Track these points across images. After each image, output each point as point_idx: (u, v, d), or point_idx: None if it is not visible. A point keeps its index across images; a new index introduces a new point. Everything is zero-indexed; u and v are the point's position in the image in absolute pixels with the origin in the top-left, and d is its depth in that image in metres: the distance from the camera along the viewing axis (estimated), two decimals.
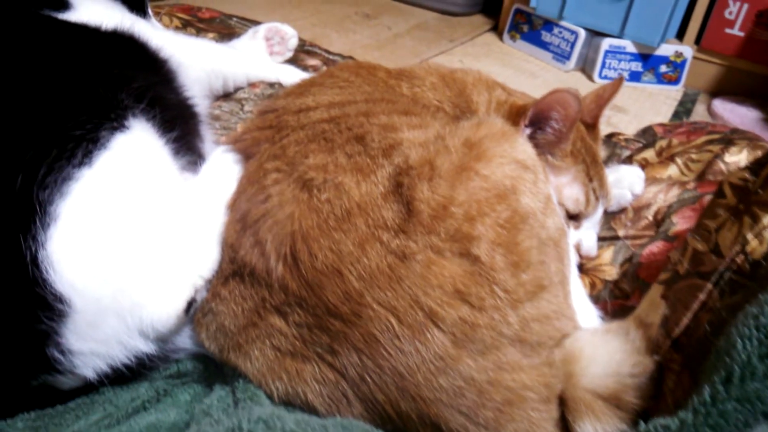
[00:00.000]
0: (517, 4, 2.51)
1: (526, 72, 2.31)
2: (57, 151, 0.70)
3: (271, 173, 0.73)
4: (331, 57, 1.66)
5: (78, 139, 0.72)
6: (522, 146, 0.74)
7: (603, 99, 0.96)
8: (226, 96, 1.31)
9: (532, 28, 2.46)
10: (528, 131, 0.89)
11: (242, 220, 0.72)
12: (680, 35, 2.31)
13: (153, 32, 1.17)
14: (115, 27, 1.09)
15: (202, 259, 0.74)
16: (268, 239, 0.69)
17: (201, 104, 1.17)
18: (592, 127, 0.95)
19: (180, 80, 1.10)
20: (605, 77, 2.29)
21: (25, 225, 0.66)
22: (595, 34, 2.31)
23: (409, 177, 0.69)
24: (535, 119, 0.87)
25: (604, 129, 1.98)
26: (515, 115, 0.90)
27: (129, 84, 0.87)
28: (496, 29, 2.66)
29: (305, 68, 1.55)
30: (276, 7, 2.55)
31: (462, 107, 0.92)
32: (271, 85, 1.32)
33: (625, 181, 1.01)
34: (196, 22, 1.70)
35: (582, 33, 2.29)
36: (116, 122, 0.77)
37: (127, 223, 0.71)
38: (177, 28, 1.64)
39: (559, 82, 2.27)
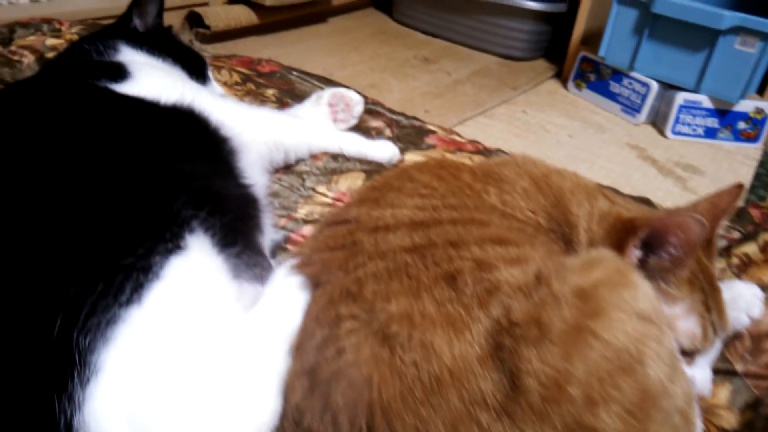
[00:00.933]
0: (583, 52, 2.37)
1: (593, 125, 2.17)
2: (103, 286, 0.59)
3: (345, 320, 0.61)
4: (394, 117, 1.55)
5: (128, 269, 0.61)
6: (644, 292, 0.61)
7: (720, 210, 0.82)
8: (286, 168, 1.20)
9: (599, 78, 2.31)
10: (638, 253, 0.75)
11: (310, 375, 0.60)
12: (761, 90, 2.13)
13: (213, 104, 1.08)
14: (174, 102, 1.00)
15: (260, 414, 0.62)
16: (340, 405, 0.57)
17: (260, 183, 1.07)
18: (706, 242, 0.81)
19: (241, 164, 0.99)
20: (678, 133, 2.13)
21: (61, 381, 0.56)
22: (669, 87, 2.16)
23: (512, 338, 0.56)
24: (648, 241, 0.74)
25: (680, 193, 1.83)
26: (620, 230, 0.76)
27: (188, 184, 0.76)
28: (560, 76, 2.52)
29: (367, 130, 1.44)
30: (334, 51, 2.46)
31: (559, 219, 0.79)
32: (335, 157, 1.21)
33: (741, 302, 0.86)
34: (255, 77, 1.60)
35: (654, 85, 2.13)
36: (171, 242, 0.66)
37: (178, 373, 0.60)
38: (236, 84, 1.55)
39: (629, 136, 2.11)
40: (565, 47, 2.49)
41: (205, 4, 2.28)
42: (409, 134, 1.46)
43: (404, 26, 2.84)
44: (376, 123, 1.49)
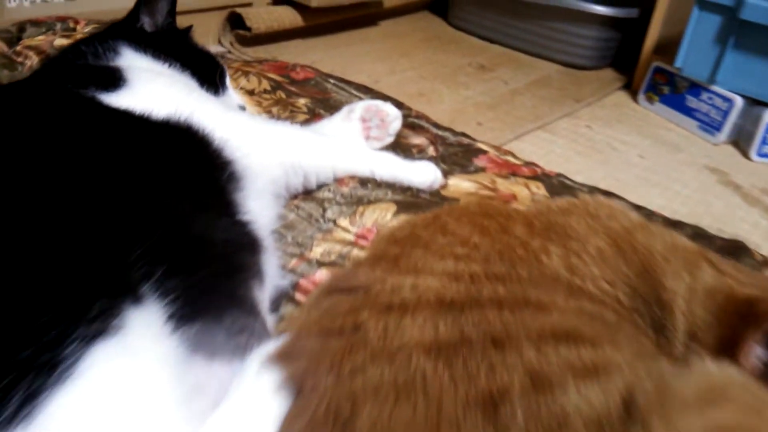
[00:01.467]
0: (657, 62, 2.09)
1: (667, 143, 1.89)
2: None
3: None
4: (439, 133, 1.33)
5: (20, 369, 0.41)
6: None
7: None
8: (306, 193, 0.99)
9: (674, 91, 2.03)
10: (761, 352, 0.51)
11: None
12: None
13: (220, 118, 0.88)
14: (168, 117, 0.81)
15: None
16: None
17: (268, 216, 0.86)
18: None
19: (243, 193, 0.79)
20: (765, 155, 1.83)
21: None
22: (755, 103, 1.86)
23: None
24: None
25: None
26: (735, 316, 0.53)
27: (151, 230, 0.57)
28: (629, 87, 2.24)
29: (408, 148, 1.23)
30: (383, 56, 2.25)
31: (647, 295, 0.56)
32: (363, 182, 0.99)
33: None
34: (287, 84, 1.41)
35: (738, 101, 1.84)
36: (100, 321, 0.46)
37: None
38: (265, 92, 1.36)
39: (708, 158, 1.83)
40: (635, 56, 2.21)
41: (249, 5, 2.11)
42: (456, 154, 1.24)
43: (460, 31, 2.61)
44: (417, 140, 1.27)
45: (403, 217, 0.90)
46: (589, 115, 2.03)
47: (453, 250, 0.55)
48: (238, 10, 2.01)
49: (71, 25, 1.29)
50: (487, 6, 2.49)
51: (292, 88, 1.39)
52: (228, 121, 0.90)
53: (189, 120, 0.83)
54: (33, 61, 1.15)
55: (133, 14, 1.01)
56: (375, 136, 1.10)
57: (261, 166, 0.89)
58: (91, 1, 1.83)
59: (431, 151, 1.24)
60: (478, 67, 2.26)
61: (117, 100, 0.83)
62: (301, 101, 1.34)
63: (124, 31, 1.00)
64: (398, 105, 1.44)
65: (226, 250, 0.67)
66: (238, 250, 0.70)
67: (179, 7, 1.99)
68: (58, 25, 1.27)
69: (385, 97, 1.46)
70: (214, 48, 2.04)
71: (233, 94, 1.11)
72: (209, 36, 2.06)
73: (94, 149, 0.67)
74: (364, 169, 1.03)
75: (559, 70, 2.35)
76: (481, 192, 1.10)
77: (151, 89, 0.88)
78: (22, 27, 1.24)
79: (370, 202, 0.95)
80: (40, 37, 1.22)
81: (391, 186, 1.01)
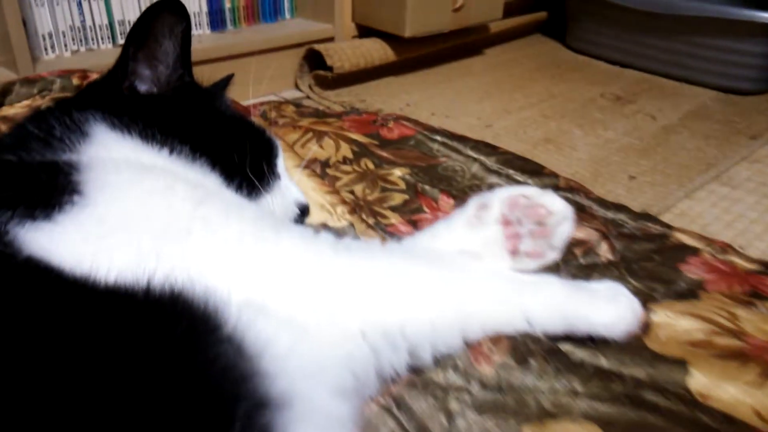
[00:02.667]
0: None
1: None
2: None
3: None
4: (609, 215, 0.82)
5: None
6: None
7: None
8: (414, 372, 0.52)
9: None
10: None
11: None
12: None
13: (246, 259, 0.43)
14: (130, 278, 0.36)
15: None
16: None
17: None
18: None
19: None
20: None
21: None
22: None
23: None
24: None
25: None
26: None
27: None
28: None
29: (570, 247, 0.72)
30: (491, 92, 1.75)
31: None
32: (519, 353, 0.50)
33: None
34: (376, 148, 0.93)
35: None
36: None
37: None
38: (344, 161, 0.89)
39: None
40: None
41: (330, 40, 1.68)
42: (647, 257, 0.72)
43: (583, 55, 2.07)
44: (580, 231, 0.76)
45: None
46: None
47: None
48: (318, 46, 1.59)
49: (75, 81, 0.88)
50: (616, 23, 1.95)
51: (384, 153, 0.92)
52: (259, 264, 0.44)
53: (175, 278, 0.37)
54: None
55: (120, 66, 0.57)
56: (528, 250, 0.60)
57: (321, 348, 0.42)
58: None
59: (604, 251, 0.74)
60: (614, 98, 1.72)
61: (45, 238, 0.39)
62: (397, 173, 0.87)
63: (102, 95, 0.56)
64: (536, 170, 0.94)
65: None
66: None
67: (246, 47, 1.56)
68: (58, 82, 0.87)
69: (521, 164, 0.96)
70: (289, 93, 1.62)
71: (289, 187, 0.65)
72: (284, 79, 1.65)
73: None
74: (515, 318, 0.53)
75: (716, 98, 1.76)
76: (717, 341, 0.58)
77: (121, 207, 0.44)
78: (6, 89, 0.85)
79: (543, 414, 0.45)
80: (25, 102, 0.82)
81: (579, 360, 0.51)
